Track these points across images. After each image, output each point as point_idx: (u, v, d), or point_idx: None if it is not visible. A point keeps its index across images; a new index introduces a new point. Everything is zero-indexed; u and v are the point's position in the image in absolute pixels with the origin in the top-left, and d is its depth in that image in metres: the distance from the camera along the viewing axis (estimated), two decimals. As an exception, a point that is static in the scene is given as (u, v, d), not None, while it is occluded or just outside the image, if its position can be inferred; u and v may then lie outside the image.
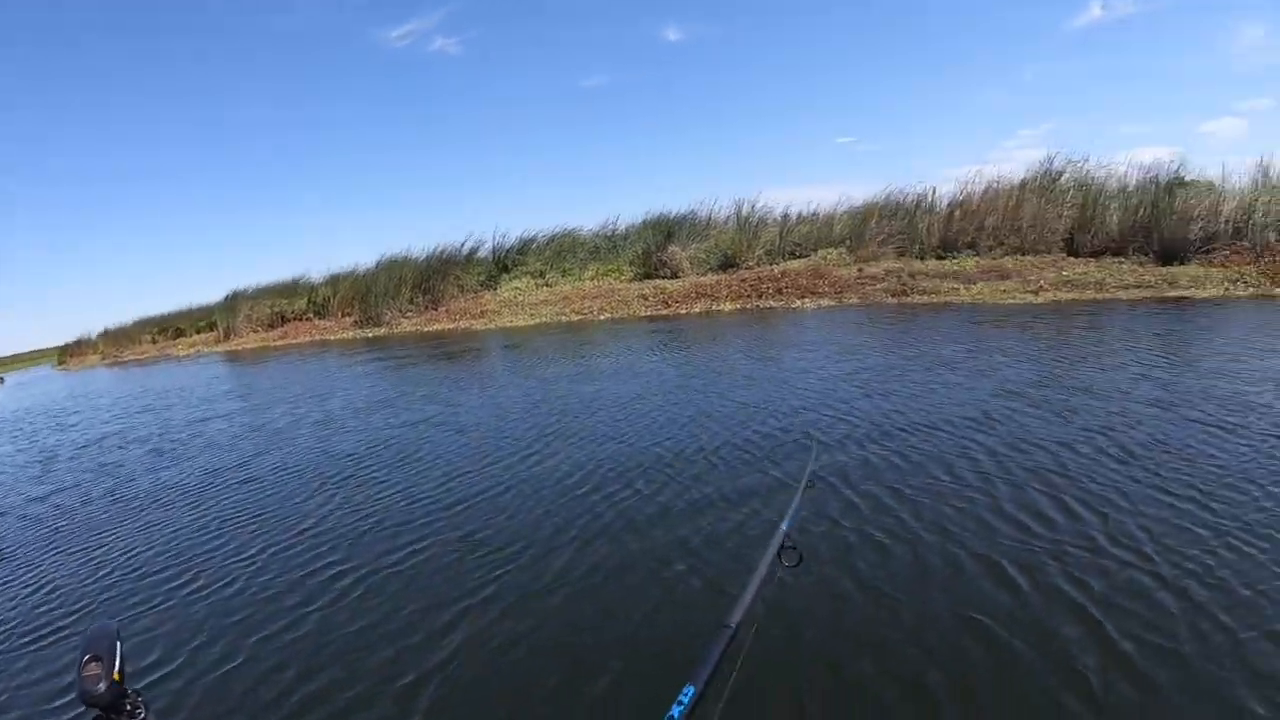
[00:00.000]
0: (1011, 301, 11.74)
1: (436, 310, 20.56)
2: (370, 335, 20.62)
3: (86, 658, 1.27)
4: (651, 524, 4.16)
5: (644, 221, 18.81)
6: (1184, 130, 32.13)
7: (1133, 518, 3.62)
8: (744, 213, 16.68)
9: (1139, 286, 11.53)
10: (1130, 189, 13.11)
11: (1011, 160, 41.79)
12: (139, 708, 1.30)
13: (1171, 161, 13.24)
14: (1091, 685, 2.44)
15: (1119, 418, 5.24)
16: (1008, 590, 3.07)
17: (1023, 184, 13.93)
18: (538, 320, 17.20)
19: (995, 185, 14.15)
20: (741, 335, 11.45)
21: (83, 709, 1.28)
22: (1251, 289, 10.77)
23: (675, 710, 1.30)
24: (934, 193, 15.19)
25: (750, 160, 40.27)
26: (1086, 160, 14.06)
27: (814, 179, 41.00)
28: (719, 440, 5.64)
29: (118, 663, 1.27)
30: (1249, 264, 11.52)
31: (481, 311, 19.26)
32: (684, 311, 14.98)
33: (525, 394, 8.44)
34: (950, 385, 6.68)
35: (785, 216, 16.63)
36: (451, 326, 19.12)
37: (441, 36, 41.05)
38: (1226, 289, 10.88)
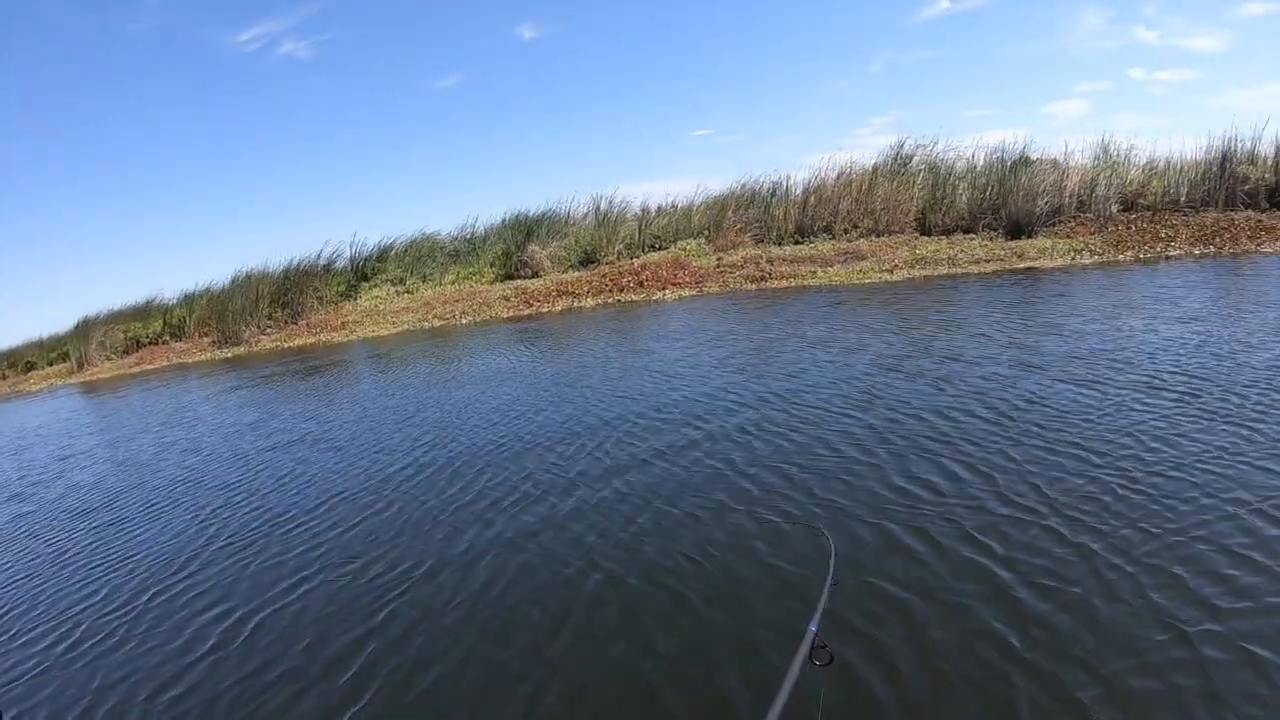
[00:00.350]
0: (868, 281, 11.32)
1: (297, 324, 18.95)
2: (229, 355, 18.86)
3: None
4: (543, 526, 3.91)
5: (503, 222, 17.70)
6: (1028, 113, 34.07)
7: (1028, 474, 3.69)
8: (602, 208, 15.84)
9: (989, 260, 11.25)
10: (978, 169, 12.97)
11: (864, 146, 43.26)
12: None
13: (1016, 142, 13.25)
14: (1027, 617, 2.56)
15: (993, 383, 5.26)
16: (931, 547, 3.09)
17: (874, 168, 13.65)
18: (400, 328, 15.99)
19: (848, 170, 13.86)
20: (606, 330, 10.74)
21: None
22: (1096, 257, 10.67)
23: None
24: (789, 180, 14.90)
25: (608, 156, 39.57)
26: (935, 143, 14.01)
27: (672, 172, 40.80)
28: (601, 436, 5.32)
29: None
30: (1093, 234, 11.43)
31: (343, 323, 17.84)
32: (546, 310, 14.06)
33: (398, 405, 7.74)
34: (825, 364, 6.49)
35: (644, 210, 15.86)
36: (313, 340, 17.62)
37: (291, 40, 38.70)
38: (1073, 258, 10.75)
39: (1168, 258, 10.21)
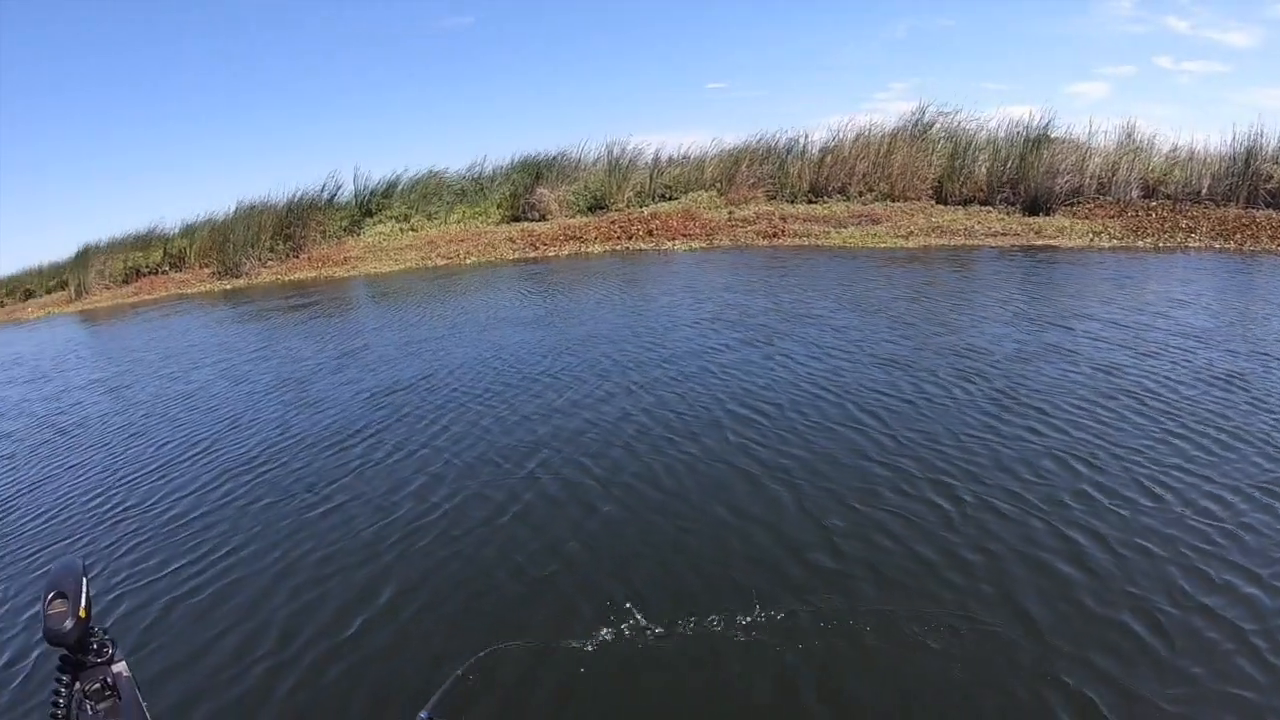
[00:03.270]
0: (883, 245, 10.27)
1: (298, 258, 17.51)
2: (229, 287, 17.42)
3: (51, 595, 0.98)
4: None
5: (512, 163, 16.23)
6: (1048, 91, 30.71)
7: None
8: (614, 154, 14.48)
9: (1006, 234, 10.24)
10: (999, 141, 11.79)
11: (883, 111, 38.60)
12: (106, 645, 1.02)
13: (1041, 118, 12.01)
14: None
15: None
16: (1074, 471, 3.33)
17: (894, 133, 12.43)
18: (404, 265, 14.63)
19: (867, 133, 12.62)
20: (618, 277, 9.62)
21: (48, 648, 1.11)
22: (1115, 240, 9.68)
23: None
24: (806, 138, 13.55)
25: (620, 104, 35.01)
26: (958, 112, 12.71)
27: (686, 124, 37.20)
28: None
29: (84, 600, 0.98)
30: (1112, 217, 10.42)
31: (345, 258, 16.43)
32: (553, 254, 12.84)
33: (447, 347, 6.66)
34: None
35: (656, 159, 14.54)
36: (314, 274, 16.21)
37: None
38: (1091, 239, 9.76)
39: (1187, 248, 9.23)
